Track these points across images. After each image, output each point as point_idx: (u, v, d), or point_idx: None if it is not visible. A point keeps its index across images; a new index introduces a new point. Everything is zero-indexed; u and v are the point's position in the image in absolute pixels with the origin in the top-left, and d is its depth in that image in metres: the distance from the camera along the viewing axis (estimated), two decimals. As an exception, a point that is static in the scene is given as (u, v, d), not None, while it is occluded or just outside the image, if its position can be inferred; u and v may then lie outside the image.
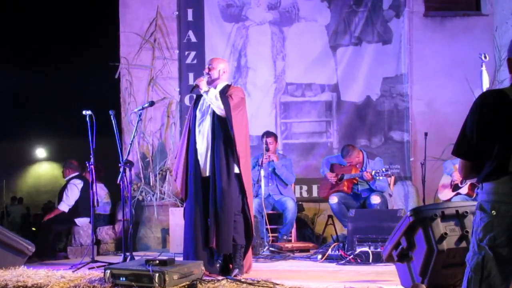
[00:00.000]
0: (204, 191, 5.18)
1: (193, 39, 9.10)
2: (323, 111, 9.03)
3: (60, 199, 8.10)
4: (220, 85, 5.38)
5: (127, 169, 6.01)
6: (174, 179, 5.43)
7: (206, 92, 5.24)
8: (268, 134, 7.61)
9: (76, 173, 8.26)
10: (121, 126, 8.90)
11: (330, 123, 9.00)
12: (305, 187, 8.85)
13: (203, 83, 5.29)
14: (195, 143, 5.28)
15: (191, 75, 9.06)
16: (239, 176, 5.14)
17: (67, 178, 8.23)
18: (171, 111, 9.05)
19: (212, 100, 5.18)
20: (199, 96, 5.48)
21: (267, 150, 7.40)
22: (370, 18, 8.94)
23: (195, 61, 9.10)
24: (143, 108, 6.25)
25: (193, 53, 9.10)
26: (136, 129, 6.18)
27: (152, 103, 6.35)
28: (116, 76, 9.06)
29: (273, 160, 7.46)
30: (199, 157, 5.24)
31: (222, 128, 5.17)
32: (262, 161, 7.24)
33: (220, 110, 5.15)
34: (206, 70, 5.40)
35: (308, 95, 9.07)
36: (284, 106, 9.04)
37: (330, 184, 7.56)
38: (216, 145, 5.16)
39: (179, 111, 9.04)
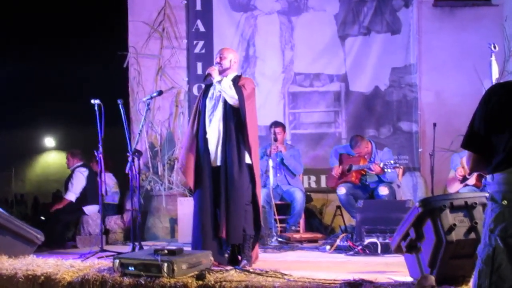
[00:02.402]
0: (214, 181, 5.17)
1: (202, 28, 9.11)
2: (331, 101, 9.02)
3: (66, 189, 8.15)
4: (231, 75, 5.37)
5: (136, 159, 5.99)
6: (180, 168, 5.40)
7: (219, 81, 5.22)
8: (276, 124, 7.60)
9: (81, 162, 8.28)
10: (130, 116, 8.92)
11: (339, 113, 9.00)
12: (313, 178, 8.85)
13: (215, 72, 5.29)
14: (204, 132, 5.26)
15: (199, 65, 9.08)
16: (250, 166, 5.13)
17: (72, 167, 8.25)
18: (180, 101, 9.07)
19: (225, 90, 5.17)
20: (208, 86, 5.47)
21: (275, 140, 7.39)
22: (379, 7, 8.92)
23: (203, 51, 9.10)
24: (151, 98, 6.22)
25: (201, 43, 9.11)
26: (144, 118, 6.16)
27: (160, 93, 6.33)
28: (125, 65, 9.07)
29: (281, 151, 7.46)
30: (209, 147, 5.23)
31: (234, 118, 5.17)
32: (270, 151, 7.22)
33: (233, 100, 5.15)
34: (217, 60, 5.39)
35: (317, 85, 9.05)
36: (293, 96, 9.03)
37: (337, 175, 7.55)
38: (228, 135, 5.16)
39: (188, 101, 9.05)
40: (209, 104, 5.33)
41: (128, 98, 8.99)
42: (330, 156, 7.80)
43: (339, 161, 7.66)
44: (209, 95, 5.37)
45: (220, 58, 5.38)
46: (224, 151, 5.15)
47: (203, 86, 5.62)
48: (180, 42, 9.15)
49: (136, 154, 6.03)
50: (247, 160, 5.15)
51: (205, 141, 5.24)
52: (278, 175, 7.46)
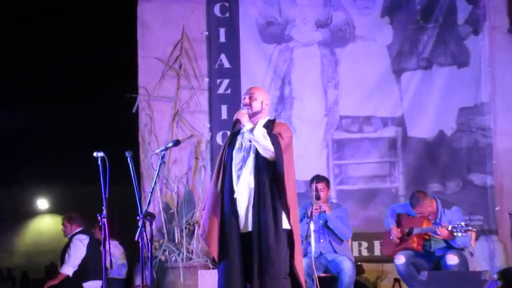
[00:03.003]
0: (244, 250, 5.18)
1: (226, 64, 9.23)
2: (385, 150, 9.03)
3: (62, 261, 8.12)
4: (262, 120, 5.43)
5: (147, 223, 5.88)
6: (202, 234, 5.41)
7: (251, 129, 5.26)
8: (318, 179, 7.52)
9: (80, 228, 8.29)
10: (140, 171, 8.98)
11: (395, 164, 8.99)
12: (364, 244, 8.82)
13: (245, 118, 5.34)
14: (231, 191, 5.30)
15: (224, 108, 9.16)
16: (288, 232, 5.16)
17: (70, 235, 8.26)
18: (200, 152, 9.13)
19: (259, 140, 5.20)
20: (235, 134, 5.51)
21: (318, 198, 7.31)
22: (441, 35, 8.97)
23: (228, 91, 9.20)
24: (166, 149, 6.11)
25: (226, 82, 9.21)
26: (158, 174, 6.12)
27: (177, 142, 6.17)
28: (134, 110, 9.19)
29: (324, 211, 7.37)
30: (238, 209, 5.26)
31: (268, 173, 5.22)
32: (311, 212, 7.11)
33: (268, 152, 5.19)
34: (246, 101, 5.43)
35: (367, 131, 9.08)
36: (338, 145, 9.08)
37: (396, 240, 7.51)
38: (262, 194, 5.19)
39: (210, 152, 9.08)
40: (236, 156, 5.38)
41: (138, 149, 9.05)
42: (386, 217, 7.72)
43: (396, 223, 7.59)
44: (237, 145, 5.41)
45: (250, 99, 5.42)
46: (257, 213, 5.17)
47: (228, 134, 5.69)
48: (201, 81, 9.27)
49: (148, 217, 5.94)
50: (285, 224, 5.17)
51: (233, 201, 5.28)
52: (321, 241, 7.37)
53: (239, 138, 5.44)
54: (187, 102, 9.28)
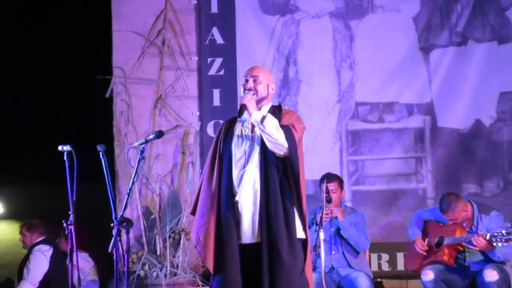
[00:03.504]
0: (247, 264, 5.16)
1: (219, 39, 9.25)
2: (411, 144, 9.06)
3: (20, 276, 8.12)
4: (266, 107, 5.43)
5: (123, 231, 5.90)
6: (197, 245, 5.32)
7: (262, 119, 5.16)
8: (329, 178, 7.51)
9: (42, 238, 8.28)
10: (115, 168, 9.01)
11: (422, 160, 9.02)
12: (385, 256, 8.86)
13: (252, 105, 5.27)
14: (230, 194, 5.26)
15: (216, 93, 9.20)
16: (304, 242, 5.19)
17: (30, 245, 8.27)
18: (188, 145, 9.16)
19: (271, 132, 5.13)
20: (231, 121, 5.49)
21: (329, 201, 7.25)
22: (479, 5, 8.98)
23: (222, 72, 9.22)
24: (147, 141, 6.04)
25: (219, 61, 9.21)
26: (136, 172, 5.99)
27: (160, 134, 6.05)
28: (108, 95, 9.19)
29: (337, 217, 7.39)
30: (240, 215, 5.23)
31: (279, 171, 5.21)
32: (321, 218, 7.05)
33: (281, 148, 5.15)
34: (250, 85, 5.37)
35: (389, 120, 9.14)
36: (353, 137, 9.12)
37: (423, 252, 7.50)
38: (271, 197, 5.16)
39: (200, 146, 9.11)
40: (237, 150, 5.35)
41: (112, 142, 9.10)
42: (410, 224, 7.73)
43: (423, 231, 7.59)
44: (235, 137, 5.39)
45: (255, 82, 5.38)
46: (266, 221, 5.14)
47: (223, 123, 5.56)
48: (188, 61, 9.29)
49: (124, 224, 5.91)
50: (299, 233, 5.19)
51: (233, 206, 5.25)
52: (333, 253, 7.40)
53: (238, 126, 5.43)
54: (172, 86, 9.27)
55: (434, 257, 7.37)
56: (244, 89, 5.38)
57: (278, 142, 5.13)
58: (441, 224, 7.51)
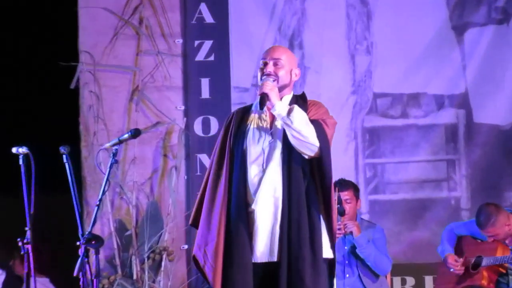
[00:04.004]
0: (260, 285, 5.15)
1: (209, 18, 9.20)
2: (441, 143, 9.06)
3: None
4: (288, 97, 5.35)
5: (92, 251, 5.86)
6: (205, 265, 5.24)
7: (288, 112, 5.07)
8: (342, 185, 7.50)
9: (-9, 260, 8.37)
10: (82, 174, 9.00)
11: (455, 163, 9.02)
12: (410, 280, 8.84)
13: (275, 94, 5.16)
14: (245, 202, 5.21)
15: (205, 83, 9.16)
16: (330, 264, 5.20)
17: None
18: (171, 147, 9.14)
19: (300, 128, 5.04)
20: (245, 112, 5.41)
21: (342, 214, 7.29)
22: (523, -26, 8.95)
23: (212, 57, 9.18)
24: (120, 142, 5.98)
25: (208, 44, 9.17)
26: (107, 179, 5.92)
27: (136, 133, 6.02)
28: (73, 86, 9.16)
29: (351, 232, 7.37)
30: (256, 228, 5.18)
31: (305, 177, 5.15)
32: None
33: (309, 146, 5.06)
34: (270, 69, 5.25)
35: (414, 115, 9.09)
36: (371, 135, 9.13)
37: (456, 275, 7.51)
38: (295, 208, 5.11)
39: (185, 147, 9.09)
40: (253, 149, 5.27)
41: (79, 143, 9.10)
42: (441, 241, 7.77)
43: (457, 250, 7.63)
44: (251, 130, 5.32)
45: (276, 65, 5.26)
46: (288, 236, 5.10)
47: (232, 115, 5.44)
48: (171, 44, 9.26)
49: (93, 242, 5.90)
50: (326, 251, 5.17)
51: (247, 216, 5.20)
52: (347, 276, 7.39)
53: (253, 118, 5.36)
54: (151, 74, 9.23)
55: (471, 281, 7.42)
56: (262, 74, 5.26)
57: (308, 140, 5.04)
58: (479, 241, 7.56)
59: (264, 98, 5.11)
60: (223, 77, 9.07)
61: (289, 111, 5.05)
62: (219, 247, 5.17)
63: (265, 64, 5.26)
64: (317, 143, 5.02)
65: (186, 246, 8.78)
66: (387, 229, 8.18)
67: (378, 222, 8.27)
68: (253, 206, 5.18)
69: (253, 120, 5.34)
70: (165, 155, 9.19)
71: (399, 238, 8.84)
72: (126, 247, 8.86)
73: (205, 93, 9.16)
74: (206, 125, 8.98)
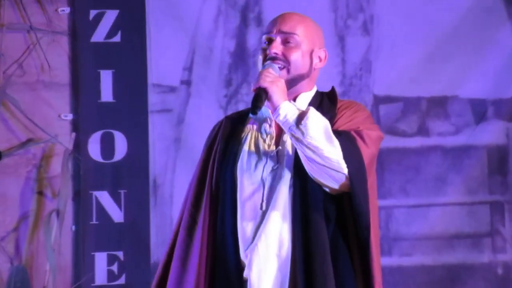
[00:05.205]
0: None
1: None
2: (482, 176, 7.55)
3: None
4: (307, 94, 4.28)
5: None
6: None
7: (299, 118, 4.07)
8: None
9: None
10: None
11: (504, 208, 7.49)
12: None
13: (279, 89, 4.09)
14: (236, 266, 4.23)
15: (106, 76, 7.39)
16: None
17: None
18: (50, 179, 7.51)
19: (315, 142, 4.00)
20: (237, 122, 4.49)
21: None
22: None
23: (117, 38, 7.39)
24: None
25: (112, 15, 7.33)
26: None
27: None
28: None
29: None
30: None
31: (329, 226, 4.11)
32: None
33: (331, 173, 4.00)
34: (276, 49, 4.15)
35: (439, 131, 7.52)
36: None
37: None
38: (317, 275, 4.09)
39: (73, 179, 7.47)
40: (248, 181, 4.33)
41: None
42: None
43: None
44: (245, 151, 4.38)
45: (286, 42, 4.22)
46: None
47: (219, 122, 4.64)
48: (52, 15, 7.54)
49: None
50: None
51: (238, 282, 4.25)
52: None
53: (249, 133, 4.38)
54: (19, 63, 7.46)
55: None
56: (264, 59, 4.25)
57: (329, 163, 4.02)
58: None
59: (260, 97, 4.08)
60: (135, 69, 7.39)
61: (300, 117, 4.04)
62: None
63: (270, 41, 4.29)
64: (345, 169, 4.01)
65: None
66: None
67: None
68: (246, 272, 4.21)
69: (250, 135, 4.43)
70: (39, 193, 7.52)
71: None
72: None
73: (107, 95, 7.41)
74: (108, 145, 7.18)
